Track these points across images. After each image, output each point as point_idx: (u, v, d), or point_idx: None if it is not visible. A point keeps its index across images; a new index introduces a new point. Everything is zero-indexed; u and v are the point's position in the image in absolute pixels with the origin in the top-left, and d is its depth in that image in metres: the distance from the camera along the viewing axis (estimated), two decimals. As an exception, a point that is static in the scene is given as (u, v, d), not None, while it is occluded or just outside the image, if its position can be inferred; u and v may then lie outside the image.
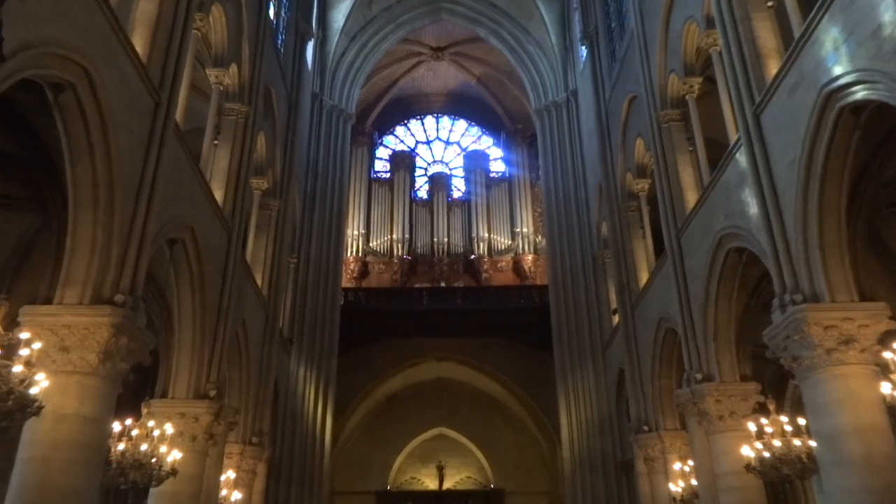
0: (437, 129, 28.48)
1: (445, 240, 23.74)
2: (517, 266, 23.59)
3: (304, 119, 17.89)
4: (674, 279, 10.49)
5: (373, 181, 25.20)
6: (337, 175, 19.29)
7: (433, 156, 27.92)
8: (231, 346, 10.51)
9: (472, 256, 23.53)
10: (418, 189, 26.60)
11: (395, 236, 23.72)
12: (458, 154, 27.67)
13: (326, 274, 17.59)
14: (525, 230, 23.83)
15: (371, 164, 26.20)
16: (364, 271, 23.44)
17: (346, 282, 22.53)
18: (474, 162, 25.63)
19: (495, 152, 27.53)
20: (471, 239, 24.03)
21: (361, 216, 23.90)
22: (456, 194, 26.21)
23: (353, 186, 24.24)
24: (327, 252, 17.80)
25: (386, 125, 27.49)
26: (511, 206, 24.62)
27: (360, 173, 24.50)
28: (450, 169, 27.55)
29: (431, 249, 23.76)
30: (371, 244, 23.76)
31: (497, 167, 27.15)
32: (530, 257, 23.21)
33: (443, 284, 22.70)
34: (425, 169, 27.50)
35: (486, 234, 23.90)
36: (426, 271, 23.48)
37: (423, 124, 28.42)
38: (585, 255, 17.40)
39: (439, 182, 25.16)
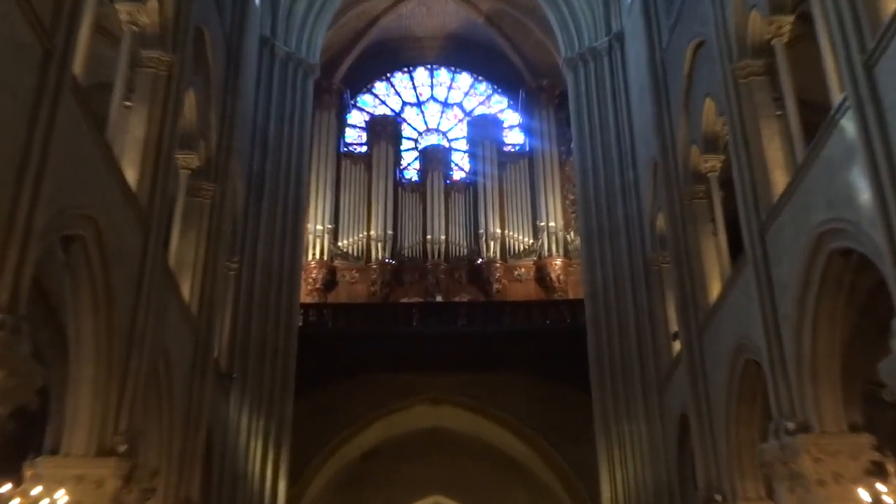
0: (432, 87, 27.94)
1: (442, 238, 23.51)
2: (541, 274, 23.39)
3: (250, 72, 17.71)
4: (756, 292, 10.31)
5: (343, 157, 24.98)
6: (294, 149, 18.79)
7: (426, 122, 27.42)
8: (148, 383, 10.29)
9: (480, 261, 23.36)
10: (406, 168, 26.27)
11: (373, 233, 23.53)
12: (461, 120, 27.28)
13: (279, 285, 17.30)
14: (552, 225, 23.59)
15: (341, 134, 25.98)
16: (331, 281, 23.17)
17: (307, 295, 22.20)
18: (482, 131, 25.33)
19: (511, 118, 27.03)
20: (477, 237, 23.79)
21: (328, 205, 23.63)
22: (457, 175, 25.88)
23: (317, 164, 23.79)
24: (281, 254, 17.47)
25: (361, 80, 27.07)
26: (533, 191, 24.42)
27: (325, 146, 24.15)
28: (449, 141, 27.17)
29: (423, 251, 23.51)
30: (341, 244, 23.53)
31: (513, 138, 26.79)
32: (559, 262, 23.10)
33: (439, 299, 22.48)
34: (415, 141, 27.09)
35: (499, 231, 23.74)
36: (416, 281, 23.15)
37: (412, 79, 27.92)
38: (635, 258, 17.23)
39: (435, 158, 24.89)
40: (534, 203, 24.30)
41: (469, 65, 27.66)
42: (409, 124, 27.31)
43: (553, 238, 23.55)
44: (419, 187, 24.55)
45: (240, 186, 16.59)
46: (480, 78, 27.83)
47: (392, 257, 23.46)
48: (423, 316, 20.83)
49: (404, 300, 22.50)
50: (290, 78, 19.24)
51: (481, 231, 23.80)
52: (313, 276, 22.74)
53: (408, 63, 27.76)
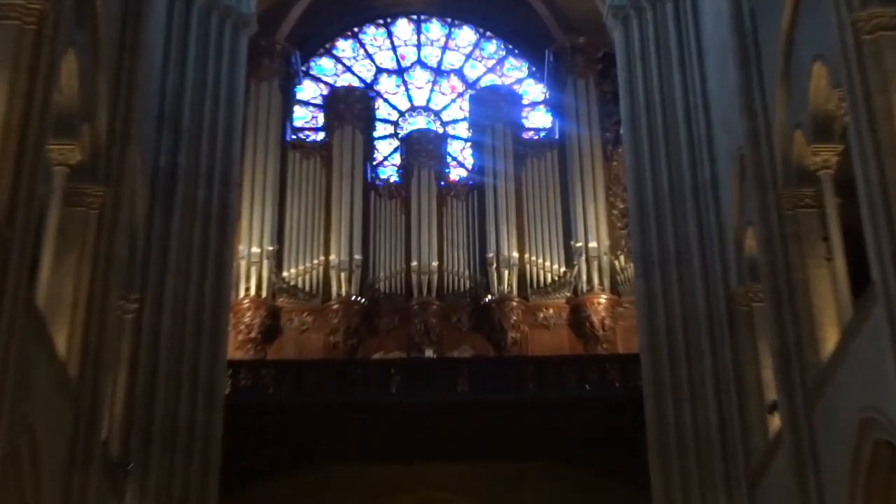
0: (419, 47, 28.33)
1: (434, 265, 23.88)
2: (577, 317, 23.69)
3: (157, 27, 17.72)
4: (891, 343, 10.21)
5: (291, 148, 25.45)
6: (220, 136, 18.82)
7: (410, 98, 28.02)
8: (4, 475, 10.23)
9: (489, 298, 23.62)
10: (381, 164, 27.08)
11: (333, 258, 23.92)
12: (461, 95, 27.84)
13: (198, 333, 17.41)
14: (592, 246, 23.88)
15: (287, 115, 26.31)
16: (273, 328, 23.52)
17: (238, 349, 22.55)
18: (492, 110, 25.61)
19: (533, 91, 27.75)
20: (484, 263, 24.16)
21: (268, 218, 24.05)
22: (456, 174, 26.76)
23: (253, 158, 24.33)
24: (200, 289, 17.67)
25: (316, 38, 27.56)
26: (565, 196, 24.89)
27: (265, 132, 24.72)
28: (444, 125, 27.82)
29: (407, 284, 23.93)
30: (287, 274, 23.89)
31: (537, 120, 27.61)
32: (603, 300, 23.40)
33: (430, 354, 22.68)
34: (395, 124, 27.77)
35: (516, 255, 24.11)
36: (396, 328, 23.61)
37: (389, 36, 28.36)
38: (713, 294, 17.29)
39: (423, 150, 25.23)
40: (566, 214, 24.53)
41: (473, 15, 27.70)
42: (385, 100, 27.53)
43: (594, 265, 23.55)
44: (401, 191, 24.88)
45: (141, 190, 16.56)
46: (489, 34, 27.96)
47: (361, 294, 23.57)
48: (407, 378, 20.79)
49: (379, 355, 22.37)
50: (213, 35, 19.18)
51: (490, 255, 23.90)
52: (247, 320, 22.76)
53: (384, 13, 27.69)
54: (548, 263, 24.14)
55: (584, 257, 23.70)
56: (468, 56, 28.22)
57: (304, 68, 27.37)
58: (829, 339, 13.29)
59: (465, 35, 28.14)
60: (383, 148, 27.15)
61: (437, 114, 27.89)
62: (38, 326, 11.60)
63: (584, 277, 23.57)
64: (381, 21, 27.96)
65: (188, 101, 18.73)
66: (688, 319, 17.46)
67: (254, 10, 20.35)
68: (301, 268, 23.89)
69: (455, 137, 27.41)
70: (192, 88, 18.90)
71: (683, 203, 18.06)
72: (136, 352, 16.52)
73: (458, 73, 28.16)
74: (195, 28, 19.14)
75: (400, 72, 28.16)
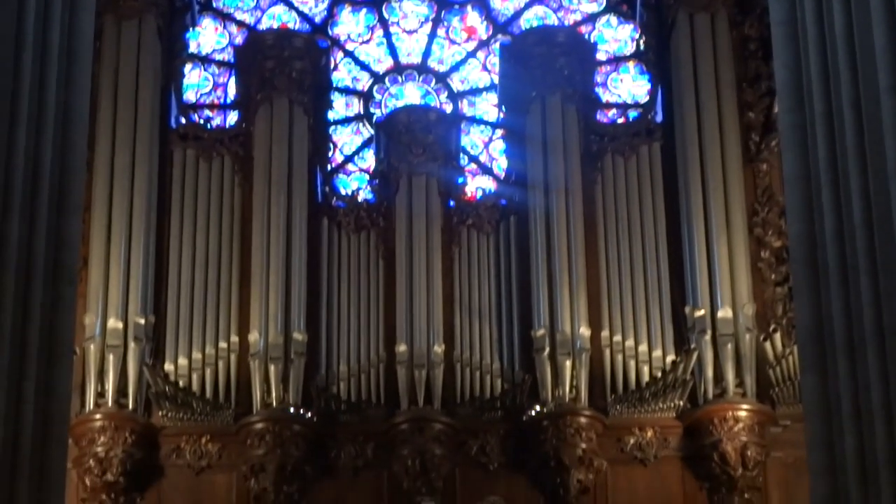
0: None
1: (438, 350, 23.14)
2: (697, 444, 22.72)
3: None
4: None
5: (178, 138, 24.71)
6: (49, 122, 17.04)
7: (394, 49, 28.21)
8: None
9: (537, 411, 23.28)
10: (342, 167, 26.77)
11: (255, 338, 23.01)
12: (483, 43, 27.75)
13: (11, 472, 15.73)
14: (723, 315, 22.94)
15: (171, 79, 25.68)
16: (146, 465, 22.47)
17: (84, 502, 21.76)
18: (542, 71, 24.85)
19: (614, 34, 27.61)
20: (528, 347, 23.42)
21: (137, 268, 23.22)
22: (476, 187, 26.20)
23: (110, 160, 23.50)
24: (14, 398, 16.74)
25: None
26: (672, 224, 24.06)
27: (131, 110, 23.87)
28: (453, 96, 27.77)
29: (388, 386, 23.16)
30: (171, 367, 23.01)
31: (623, 88, 27.23)
32: (744, 412, 22.54)
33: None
34: (365, 96, 27.67)
35: (586, 332, 23.21)
36: (368, 467, 22.84)
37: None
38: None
39: (416, 141, 24.40)
40: (677, 259, 23.23)
41: None
42: (349, 55, 27.14)
43: (728, 350, 22.35)
44: (376, 218, 23.82)
45: None
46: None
47: (305, 404, 22.48)
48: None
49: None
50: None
51: (540, 332, 22.62)
52: (99, 451, 21.75)
53: None
54: (643, 348, 22.65)
55: (708, 335, 22.36)
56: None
57: (200, -2, 24.64)
58: None
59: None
60: (345, 140, 26.22)
61: (441, 77, 27.31)
62: None
63: (710, 372, 22.18)
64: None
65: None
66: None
67: None
68: (196, 357, 22.25)
69: (476, 120, 26.51)
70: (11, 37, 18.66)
71: (892, 239, 18.39)
72: None
73: (480, 4, 27.60)
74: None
75: (376, 2, 27.49)
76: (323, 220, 23.65)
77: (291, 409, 22.19)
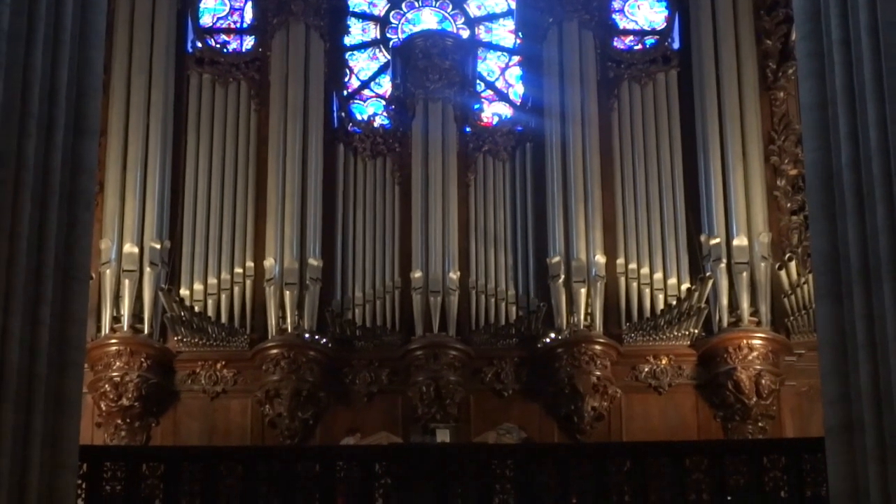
0: None
1: (453, 277, 23.43)
2: (711, 372, 23.08)
3: None
4: None
5: (194, 63, 24.96)
6: (66, 44, 16.36)
7: None
8: None
9: (552, 338, 23.29)
10: (358, 92, 26.88)
11: (270, 264, 23.27)
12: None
13: (28, 394, 14.79)
14: (739, 242, 23.24)
15: (187, 4, 25.77)
16: (161, 389, 22.82)
17: (100, 426, 22.24)
18: (558, 0, 25.13)
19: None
20: (543, 275, 23.59)
21: (153, 193, 23.46)
22: (492, 114, 25.93)
23: (126, 83, 23.72)
24: (29, 318, 15.24)
25: None
26: (689, 153, 24.34)
27: (147, 35, 24.18)
28: (470, 21, 27.55)
29: (403, 312, 23.40)
30: (186, 291, 23.23)
31: (640, 14, 26.99)
32: (759, 341, 22.66)
33: (446, 439, 21.97)
34: (382, 21, 27.73)
35: (601, 259, 23.63)
36: (383, 392, 23.22)
37: None
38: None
39: (433, 67, 24.88)
40: (692, 186, 23.75)
41: None
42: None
43: (743, 279, 22.69)
44: (393, 144, 24.28)
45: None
46: None
47: (320, 329, 22.66)
48: (403, 485, 20.06)
49: (351, 440, 21.56)
50: None
51: (555, 259, 23.12)
52: (115, 375, 22.01)
53: None
54: (658, 275, 23.12)
55: (724, 264, 22.72)
56: None
57: None
58: None
59: None
60: (362, 65, 26.30)
61: (458, 3, 26.94)
62: None
63: (725, 301, 22.57)
64: None
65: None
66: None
67: None
68: (211, 282, 22.85)
69: (492, 46, 26.39)
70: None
71: None
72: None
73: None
74: None
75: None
76: (339, 146, 24.11)
77: (306, 335, 22.42)
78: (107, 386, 21.95)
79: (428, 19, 26.70)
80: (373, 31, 26.92)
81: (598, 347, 22.70)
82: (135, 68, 23.45)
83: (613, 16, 25.57)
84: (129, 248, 22.47)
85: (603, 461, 20.32)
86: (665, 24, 25.91)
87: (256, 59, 24.79)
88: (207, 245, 23.49)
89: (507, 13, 26.33)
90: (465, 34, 26.37)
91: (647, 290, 23.34)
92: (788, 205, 23.37)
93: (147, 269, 22.50)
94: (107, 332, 22.02)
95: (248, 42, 25.45)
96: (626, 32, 25.94)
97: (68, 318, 16.34)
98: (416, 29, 26.20)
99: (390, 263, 23.48)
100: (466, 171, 23.89)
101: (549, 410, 22.99)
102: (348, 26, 26.28)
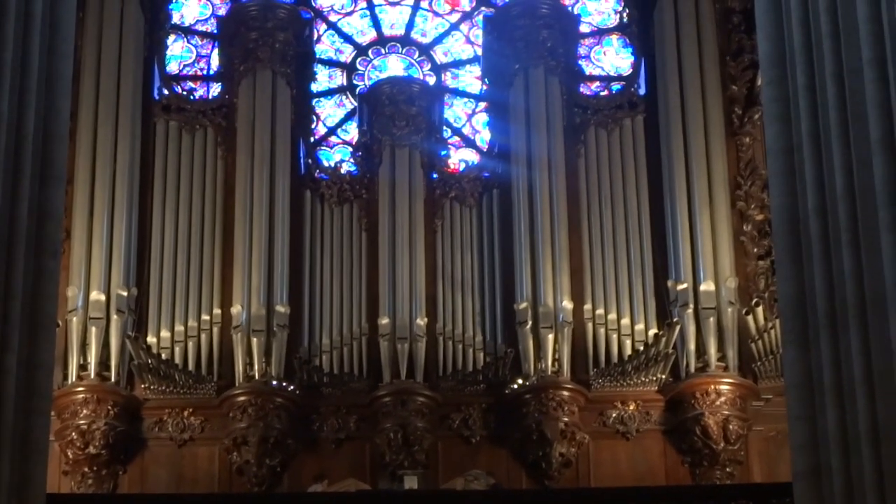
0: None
1: (420, 323, 23.36)
2: (679, 418, 23.15)
3: None
4: None
5: (161, 110, 24.91)
6: (32, 89, 16.23)
7: (377, 22, 28.26)
8: None
9: (519, 384, 23.34)
10: (325, 139, 26.91)
11: (237, 311, 23.30)
12: (467, 15, 27.87)
13: None
14: (706, 288, 23.33)
15: (154, 51, 25.85)
16: (128, 438, 22.58)
17: (66, 474, 22.16)
18: (526, 43, 25.13)
19: (598, 6, 27.75)
20: (511, 320, 23.66)
21: (121, 240, 23.47)
22: (459, 160, 26.04)
23: (92, 130, 23.48)
24: None
25: None
26: (655, 198, 24.37)
27: (113, 81, 24.15)
28: (436, 68, 27.59)
29: (371, 359, 23.36)
30: (153, 339, 23.18)
31: (607, 60, 27.34)
32: (726, 387, 22.92)
33: (413, 485, 22.16)
34: (348, 68, 27.76)
35: (568, 305, 23.54)
36: (351, 439, 22.97)
37: None
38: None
39: (400, 113, 24.54)
40: (659, 231, 23.45)
41: None
42: (332, 26, 27.13)
43: (710, 324, 22.56)
44: (360, 190, 24.04)
45: None
46: None
47: (288, 377, 22.62)
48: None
49: (318, 488, 21.73)
50: None
51: (523, 306, 22.91)
52: (82, 423, 21.87)
53: None
54: (625, 321, 22.85)
55: (691, 309, 22.50)
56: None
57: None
58: None
59: None
60: (328, 112, 26.26)
61: (425, 50, 27.09)
62: None
63: (693, 346, 22.35)
64: None
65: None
66: (882, 425, 14.39)
67: None
68: (178, 329, 22.43)
69: (459, 93, 26.41)
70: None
71: (874, 212, 14.72)
72: None
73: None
74: None
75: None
76: (306, 192, 23.88)
77: (274, 382, 22.28)
78: (74, 434, 21.67)
79: (394, 66, 26.46)
80: (339, 78, 26.60)
81: (565, 393, 22.58)
82: (101, 115, 22.83)
83: (580, 62, 25.31)
84: (96, 295, 22.15)
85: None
86: (631, 69, 25.62)
87: (223, 105, 24.23)
88: (175, 292, 23.01)
89: (474, 59, 26.12)
90: (431, 80, 26.01)
91: (615, 336, 23.13)
92: (755, 250, 23.30)
93: (114, 317, 22.21)
94: (73, 379, 21.83)
95: (215, 89, 24.90)
96: (593, 78, 25.63)
97: (35, 366, 16.27)
98: (383, 76, 25.85)
99: (358, 310, 23.24)
100: (433, 217, 23.61)
101: (516, 457, 22.78)
102: (315, 73, 25.95)
